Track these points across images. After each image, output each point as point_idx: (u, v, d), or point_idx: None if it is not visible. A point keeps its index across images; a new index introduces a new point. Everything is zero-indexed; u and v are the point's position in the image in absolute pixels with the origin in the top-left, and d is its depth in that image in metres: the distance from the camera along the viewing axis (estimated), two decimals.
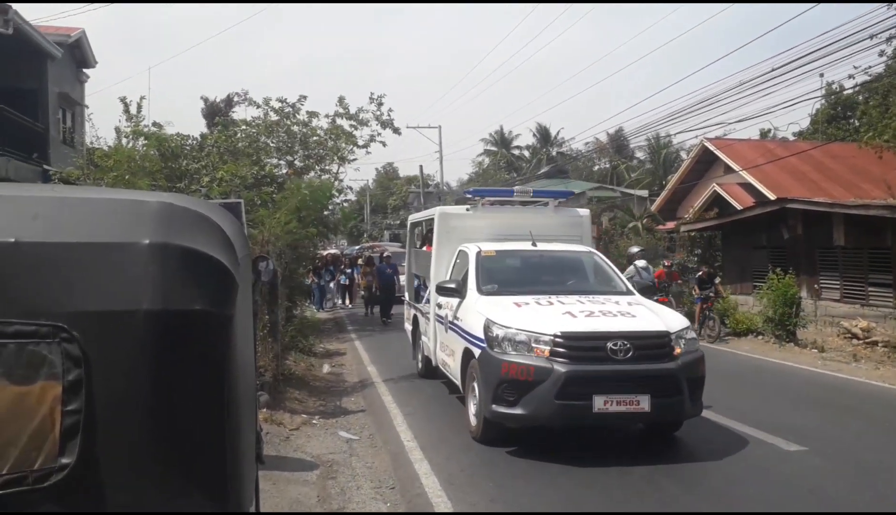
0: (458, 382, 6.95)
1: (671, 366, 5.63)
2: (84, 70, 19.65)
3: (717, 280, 15.44)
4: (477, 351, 6.10)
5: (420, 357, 9.39)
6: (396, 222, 48.12)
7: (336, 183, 14.00)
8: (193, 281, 1.43)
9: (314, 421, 7.12)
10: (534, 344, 5.65)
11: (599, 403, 5.43)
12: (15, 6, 13.68)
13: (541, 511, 4.75)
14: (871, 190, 18.42)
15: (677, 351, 5.74)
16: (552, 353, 5.57)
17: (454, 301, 7.13)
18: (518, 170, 45.18)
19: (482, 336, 6.00)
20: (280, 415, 6.95)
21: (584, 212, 9.31)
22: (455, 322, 6.99)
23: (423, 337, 9.04)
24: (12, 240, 1.33)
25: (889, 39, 15.08)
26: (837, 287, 15.52)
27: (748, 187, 19.92)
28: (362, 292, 19.62)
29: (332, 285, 20.95)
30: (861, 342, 12.34)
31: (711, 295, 14.14)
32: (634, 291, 7.25)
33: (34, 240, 1.36)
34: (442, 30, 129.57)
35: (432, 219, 8.97)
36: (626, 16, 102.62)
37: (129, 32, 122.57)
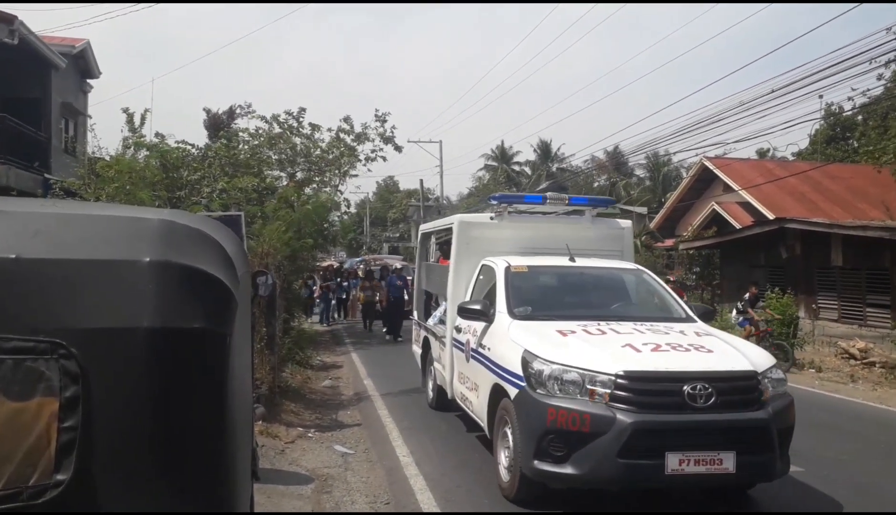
0: (481, 423, 5.86)
1: (762, 416, 4.54)
2: (88, 80, 19.75)
3: (763, 303, 13.59)
4: (512, 390, 4.97)
5: (431, 385, 8.20)
6: (396, 235, 48.19)
7: (337, 196, 14.04)
8: (193, 299, 1.43)
9: (310, 435, 7.09)
10: (588, 386, 4.53)
11: (674, 462, 4.33)
12: (21, 17, 13.78)
13: (539, 511, 4.77)
14: (869, 211, 18.49)
15: (766, 395, 4.66)
16: (613, 398, 4.46)
17: (478, 325, 6.02)
18: (518, 185, 45.27)
19: (519, 371, 4.90)
20: (276, 428, 6.93)
21: (626, 223, 7.90)
22: (480, 350, 5.87)
23: (436, 364, 7.81)
24: (13, 256, 1.34)
25: (888, 63, 15.19)
26: (835, 307, 15.53)
27: (747, 206, 19.99)
28: (360, 307, 18.97)
29: (332, 300, 20.35)
30: (859, 362, 12.34)
31: (758, 317, 12.64)
32: (696, 317, 6.01)
33: (35, 257, 1.36)
34: (445, 45, 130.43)
35: (448, 229, 7.96)
36: (628, 35, 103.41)
37: (134, 43, 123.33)
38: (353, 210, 26.64)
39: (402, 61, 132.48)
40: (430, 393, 8.22)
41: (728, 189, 21.06)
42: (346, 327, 19.27)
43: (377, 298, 17.11)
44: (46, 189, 13.57)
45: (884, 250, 13.98)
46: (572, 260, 6.48)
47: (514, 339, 5.24)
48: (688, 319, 5.91)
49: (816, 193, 20.12)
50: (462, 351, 6.51)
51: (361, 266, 25.78)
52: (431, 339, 8.19)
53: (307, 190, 13.67)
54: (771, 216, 17.75)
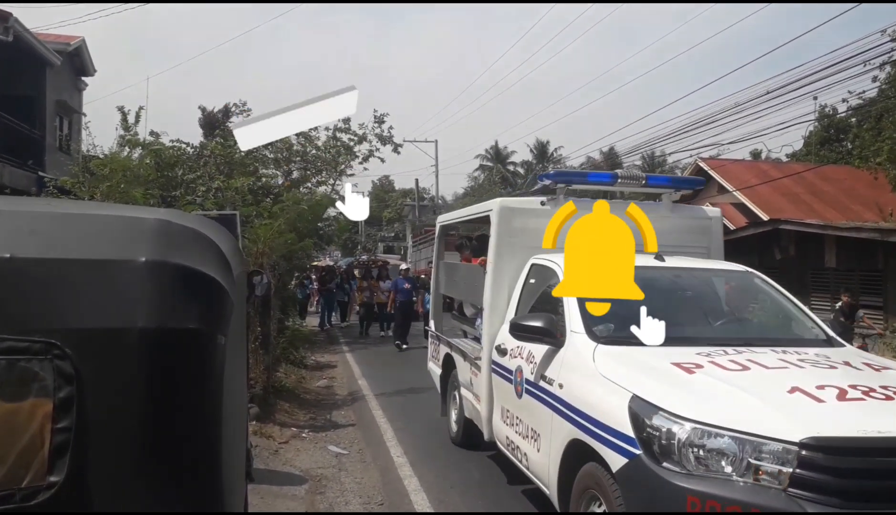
0: (544, 488, 4.21)
1: None
2: (83, 78, 19.67)
3: (862, 313, 11.80)
4: (613, 457, 3.29)
5: (455, 416, 6.56)
6: (391, 234, 48.16)
7: (334, 195, 14.00)
8: (189, 299, 1.43)
9: (304, 435, 7.08)
10: (752, 459, 2.90)
11: None
12: (15, 14, 13.72)
13: (536, 511, 4.74)
14: (862, 212, 18.58)
15: None
16: (797, 482, 2.82)
17: (538, 348, 4.36)
18: (513, 186, 45.35)
19: (625, 428, 3.22)
20: (270, 428, 6.92)
21: (714, 211, 6.26)
22: (543, 385, 4.22)
23: (464, 391, 6.13)
24: (7, 255, 1.34)
25: (882, 65, 15.28)
26: (829, 308, 15.59)
27: (741, 207, 20.05)
28: (357, 308, 18.17)
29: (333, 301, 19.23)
30: None
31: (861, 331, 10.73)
32: (838, 337, 4.53)
33: (30, 256, 1.36)
34: (441, 45, 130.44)
35: (481, 219, 6.31)
36: (623, 36, 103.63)
37: (130, 41, 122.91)
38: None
39: (397, 60, 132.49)
40: (454, 426, 6.58)
41: (722, 190, 21.12)
42: (341, 328, 18.81)
43: (375, 299, 16.40)
44: (40, 187, 13.50)
45: (877, 251, 14.05)
46: (660, 258, 4.73)
47: (606, 375, 3.59)
48: (832, 342, 4.38)
49: (810, 195, 20.20)
50: (508, 380, 4.85)
51: (346, 266, 24.22)
52: (457, 358, 6.43)
53: (302, 189, 13.64)
54: (765, 217, 17.82)
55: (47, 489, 1.28)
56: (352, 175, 14.62)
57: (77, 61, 18.76)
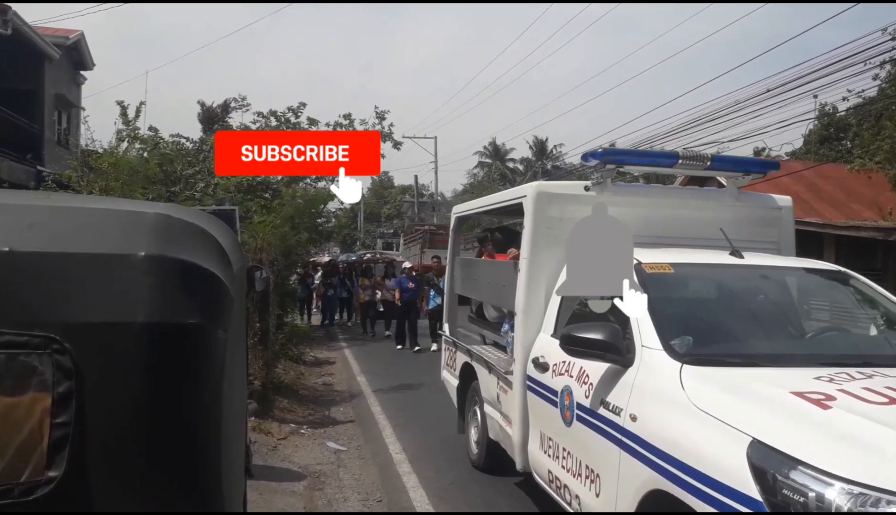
0: None
1: None
2: (82, 72, 19.62)
3: None
4: None
5: (476, 435, 5.74)
6: (390, 231, 48.17)
7: (330, 190, 13.97)
8: (189, 294, 1.42)
9: (302, 431, 7.08)
10: None
11: None
12: (14, 7, 13.68)
13: (535, 511, 4.74)
14: (862, 211, 18.57)
15: None
16: None
17: (594, 366, 3.50)
18: (512, 182, 45.35)
19: (745, 485, 2.37)
20: (268, 424, 6.92)
21: (785, 200, 5.33)
22: (605, 414, 3.33)
23: (488, 408, 5.31)
24: (6, 249, 1.33)
25: (882, 64, 15.27)
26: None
27: None
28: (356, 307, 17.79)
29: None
30: None
31: None
32: None
33: (29, 250, 1.35)
34: (440, 41, 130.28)
35: (509, 208, 5.37)
36: (623, 33, 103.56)
37: (129, 35, 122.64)
38: (347, 205, 26.55)
39: (397, 56, 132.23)
40: (475, 448, 5.74)
41: (722, 187, 21.13)
42: (341, 324, 18.55)
43: (381, 298, 15.86)
44: (39, 181, 13.47)
45: (876, 250, 14.07)
46: (738, 254, 3.96)
47: (704, 407, 2.71)
48: None
49: (810, 193, 20.19)
50: (551, 402, 4.00)
51: (347, 263, 23.53)
52: (478, 369, 5.56)
53: (301, 184, 13.62)
54: None
55: (46, 484, 1.27)
56: None
57: (76, 55, 18.72)
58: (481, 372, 5.51)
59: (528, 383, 4.42)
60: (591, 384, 3.54)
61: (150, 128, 11.23)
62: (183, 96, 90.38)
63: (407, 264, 16.36)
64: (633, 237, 4.13)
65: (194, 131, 17.51)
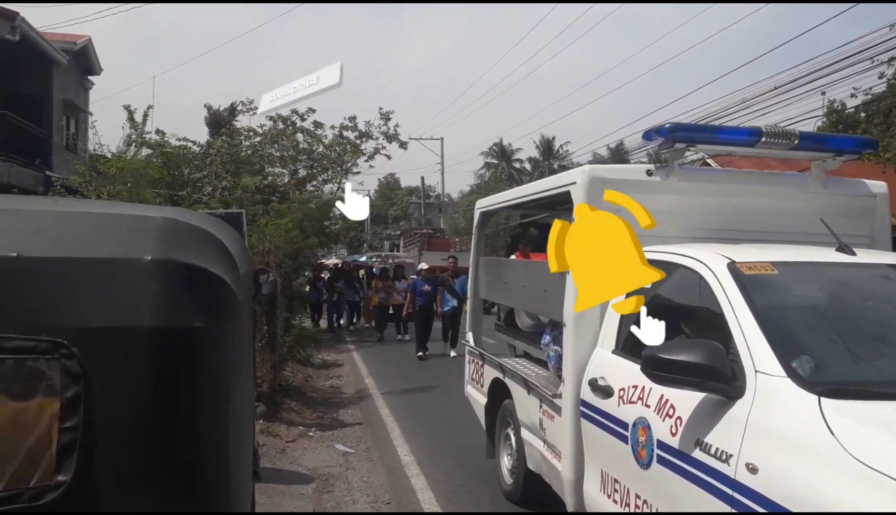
0: None
1: None
2: (89, 77, 19.75)
3: None
4: None
5: (509, 463, 5.04)
6: (397, 232, 48.24)
7: (341, 194, 14.01)
8: (195, 298, 1.42)
9: (311, 433, 7.08)
10: None
11: None
12: (22, 13, 13.78)
13: (537, 511, 4.74)
14: None
15: None
16: None
17: (682, 396, 2.77)
18: (518, 182, 45.32)
19: None
20: (276, 427, 6.92)
21: (879, 186, 4.41)
22: (704, 459, 2.59)
23: (526, 433, 4.58)
24: (14, 254, 1.33)
25: (890, 61, 15.16)
26: None
27: None
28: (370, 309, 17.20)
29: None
30: None
31: None
32: None
33: (36, 255, 1.35)
34: (446, 42, 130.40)
35: (549, 199, 4.71)
36: (630, 31, 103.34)
37: (136, 40, 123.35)
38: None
39: (403, 58, 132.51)
40: (508, 477, 5.05)
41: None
42: (352, 330, 17.88)
43: (391, 301, 15.31)
44: (48, 186, 13.57)
45: None
46: (847, 250, 3.24)
47: (868, 461, 2.01)
48: None
49: None
50: (618, 436, 3.22)
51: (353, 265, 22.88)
52: (513, 387, 4.84)
53: (308, 187, 13.67)
54: None
55: (55, 488, 1.28)
56: (358, 173, 14.63)
57: (83, 60, 18.84)
58: (517, 391, 4.75)
59: (583, 409, 3.64)
60: (678, 418, 2.79)
61: (158, 132, 11.28)
62: (190, 100, 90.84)
63: (423, 265, 15.37)
64: (706, 231, 3.82)
65: (201, 135, 17.56)
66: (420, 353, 12.55)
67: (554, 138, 47.87)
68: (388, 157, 15.33)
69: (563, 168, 45.48)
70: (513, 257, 5.75)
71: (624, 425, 3.20)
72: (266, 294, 2.72)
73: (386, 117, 14.44)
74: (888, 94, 18.12)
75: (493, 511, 4.96)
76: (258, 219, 8.90)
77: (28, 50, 14.70)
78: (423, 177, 47.72)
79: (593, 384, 3.53)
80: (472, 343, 5.91)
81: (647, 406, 3.02)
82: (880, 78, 16.38)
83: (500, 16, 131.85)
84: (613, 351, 3.54)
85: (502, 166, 49.62)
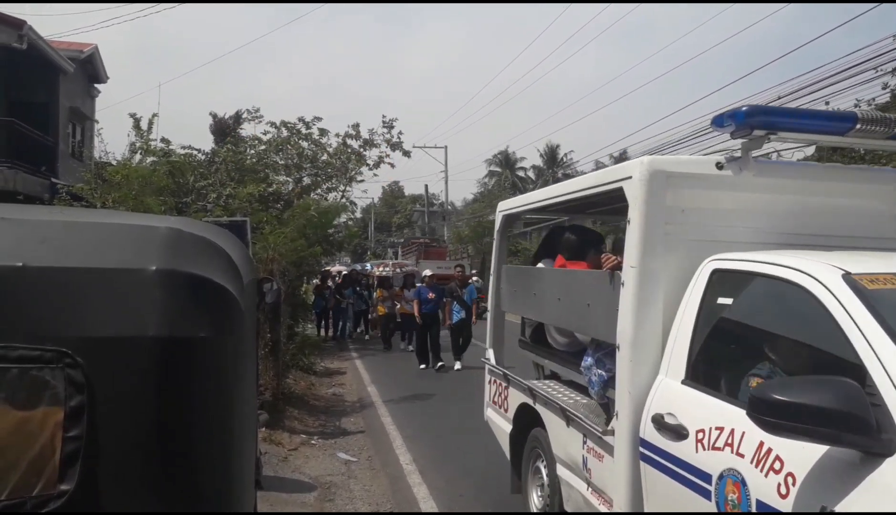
0: None
1: None
2: (95, 85, 19.87)
3: None
4: None
5: (541, 503, 4.40)
6: (400, 240, 48.32)
7: (343, 202, 14.04)
8: (199, 307, 1.43)
9: (313, 442, 7.08)
10: None
11: None
12: (29, 22, 13.89)
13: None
14: None
15: None
16: None
17: (792, 446, 2.12)
18: (522, 190, 45.36)
19: None
20: (279, 435, 6.92)
21: None
22: None
23: (562, 471, 3.99)
24: (20, 264, 1.34)
25: (894, 71, 15.16)
26: None
27: None
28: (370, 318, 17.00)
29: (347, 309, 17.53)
30: None
31: None
32: None
33: (41, 265, 1.36)
34: (450, 51, 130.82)
35: (592, 197, 3.96)
36: (634, 41, 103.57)
37: (142, 49, 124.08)
38: (358, 214, 26.67)
39: (407, 67, 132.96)
40: None
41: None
42: (357, 337, 17.49)
43: (399, 310, 14.79)
44: (53, 193, 13.62)
45: None
46: None
47: None
48: None
49: None
50: (696, 490, 2.61)
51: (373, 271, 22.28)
52: (546, 416, 4.21)
53: (313, 195, 13.70)
54: None
55: (58, 497, 1.28)
56: (362, 181, 14.65)
57: (90, 68, 18.96)
58: (552, 421, 4.10)
59: (644, 451, 2.97)
60: (789, 475, 2.16)
61: (163, 140, 11.33)
62: (195, 108, 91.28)
63: (427, 272, 14.70)
64: (786, 235, 3.25)
65: (206, 143, 17.63)
66: (423, 365, 12.15)
67: (558, 147, 47.95)
68: (392, 166, 15.36)
69: (567, 176, 45.50)
70: (540, 264, 4.84)
71: (705, 476, 2.54)
72: (270, 302, 2.73)
73: (389, 125, 14.49)
74: (892, 105, 18.11)
75: (494, 510, 4.95)
76: (262, 226, 8.92)
77: (35, 58, 14.80)
78: (426, 185, 47.74)
79: (658, 421, 2.86)
80: (493, 361, 5.22)
81: (740, 455, 2.38)
82: (884, 88, 16.37)
83: (504, 25, 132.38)
84: (683, 381, 2.87)
85: (506, 174, 49.67)
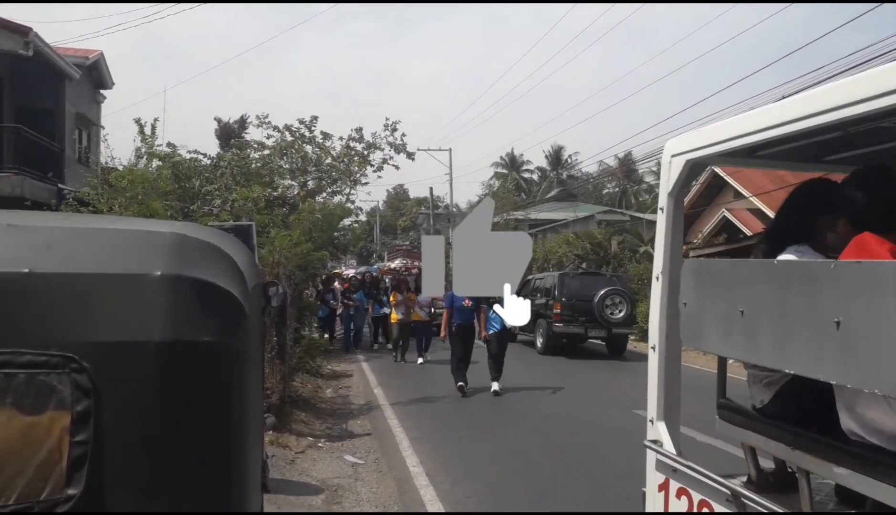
0: None
1: None
2: (101, 91, 19.97)
3: None
4: None
5: None
6: (406, 243, 48.37)
7: (348, 205, 14.08)
8: (204, 312, 1.44)
9: (320, 444, 7.09)
10: None
11: None
12: (35, 28, 13.97)
13: (539, 512, 4.72)
14: None
15: None
16: None
17: None
18: (528, 193, 45.35)
19: None
20: (286, 438, 6.94)
21: None
22: None
23: None
24: (26, 270, 1.35)
25: None
26: None
27: (758, 213, 19.86)
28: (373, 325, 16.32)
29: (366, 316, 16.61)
30: None
31: None
32: None
33: (48, 271, 1.37)
34: (454, 54, 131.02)
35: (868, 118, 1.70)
36: (638, 42, 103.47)
37: (147, 54, 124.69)
38: (363, 217, 26.70)
39: (411, 70, 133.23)
40: None
41: (738, 195, 20.95)
42: (379, 347, 16.38)
43: (413, 317, 13.65)
44: (60, 199, 13.70)
45: None
46: None
47: None
48: None
49: None
50: None
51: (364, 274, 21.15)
52: None
53: (318, 198, 13.73)
54: None
55: (65, 501, 1.28)
56: (366, 184, 14.68)
57: (95, 74, 19.06)
58: None
59: None
60: None
61: (168, 145, 11.39)
62: (200, 113, 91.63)
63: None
64: None
65: (211, 147, 17.69)
66: (461, 383, 10.09)
67: (562, 148, 47.94)
68: (396, 168, 15.41)
69: (572, 178, 45.50)
70: (789, 256, 2.25)
71: None
72: (276, 306, 2.73)
73: (392, 128, 14.52)
74: None
75: (496, 510, 4.94)
76: (267, 230, 8.94)
77: (41, 64, 14.89)
78: (431, 188, 47.85)
79: None
80: (669, 445, 2.62)
81: None
82: None
83: (510, 26, 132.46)
84: None
85: (512, 176, 49.69)
